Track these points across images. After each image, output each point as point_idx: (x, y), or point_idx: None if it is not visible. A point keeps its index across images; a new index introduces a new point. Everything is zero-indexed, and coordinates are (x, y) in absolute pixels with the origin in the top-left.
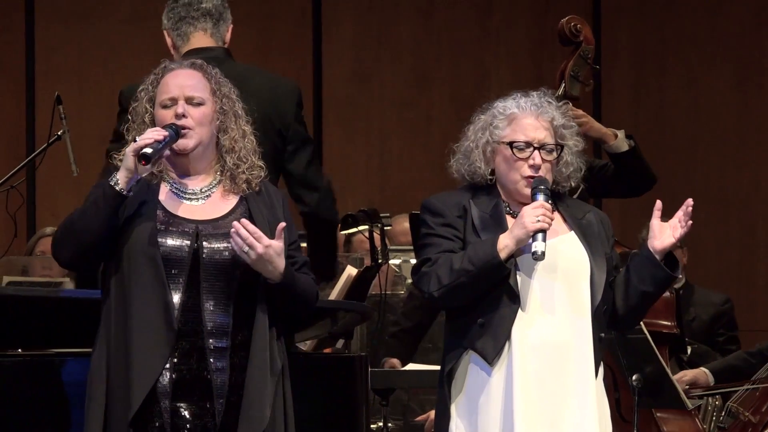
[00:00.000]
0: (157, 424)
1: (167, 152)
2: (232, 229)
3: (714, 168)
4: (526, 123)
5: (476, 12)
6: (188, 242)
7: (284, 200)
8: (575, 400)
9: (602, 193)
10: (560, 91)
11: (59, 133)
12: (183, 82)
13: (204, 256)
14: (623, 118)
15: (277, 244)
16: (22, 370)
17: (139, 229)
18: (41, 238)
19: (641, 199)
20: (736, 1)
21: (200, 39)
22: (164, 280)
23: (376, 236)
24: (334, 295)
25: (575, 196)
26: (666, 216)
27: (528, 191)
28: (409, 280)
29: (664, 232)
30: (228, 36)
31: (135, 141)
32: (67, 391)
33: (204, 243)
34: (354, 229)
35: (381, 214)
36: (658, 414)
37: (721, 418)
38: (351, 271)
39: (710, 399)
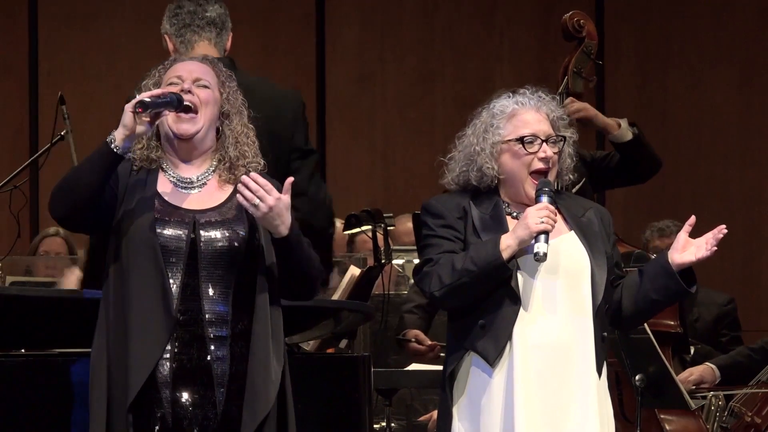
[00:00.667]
0: (158, 414)
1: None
2: (239, 185)
3: (718, 168)
4: (529, 117)
5: (480, 12)
6: (186, 231)
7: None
8: (577, 401)
9: (606, 185)
10: (563, 87)
11: (62, 133)
12: (192, 68)
13: (202, 245)
14: (627, 118)
15: (286, 198)
16: (25, 370)
17: (138, 219)
18: (44, 238)
19: (643, 198)
20: (740, 1)
21: (204, 48)
22: (162, 268)
23: (380, 236)
24: (337, 295)
25: (576, 189)
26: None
27: (532, 191)
28: (413, 281)
29: (688, 248)
30: (228, 44)
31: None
32: (71, 392)
33: (201, 232)
34: (357, 229)
35: (384, 214)
36: (661, 414)
37: (724, 418)
38: (354, 271)
39: (713, 399)
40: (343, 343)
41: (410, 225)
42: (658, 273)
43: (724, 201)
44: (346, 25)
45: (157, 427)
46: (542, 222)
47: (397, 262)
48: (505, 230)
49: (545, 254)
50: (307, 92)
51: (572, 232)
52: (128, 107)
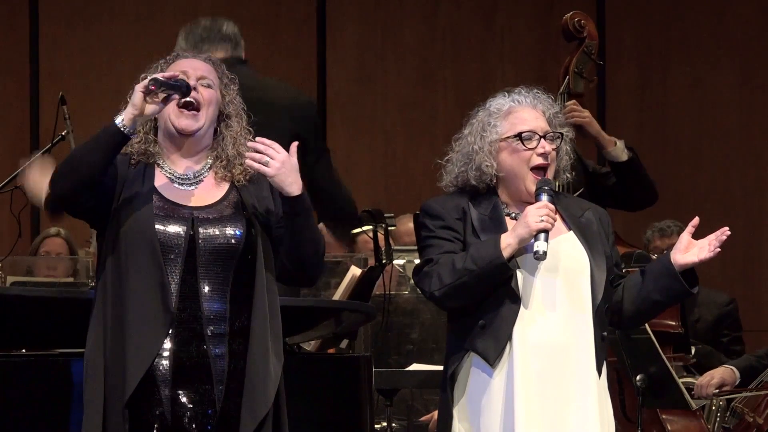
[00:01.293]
0: (157, 412)
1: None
2: (247, 152)
3: (718, 168)
4: (526, 114)
5: (480, 12)
6: (184, 228)
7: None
8: (577, 400)
9: (599, 201)
10: (564, 87)
11: (63, 133)
12: (197, 65)
13: (200, 242)
14: (628, 118)
15: (294, 159)
16: (26, 370)
17: (136, 213)
18: (45, 239)
19: None
20: (741, 1)
21: (221, 55)
22: (161, 264)
23: (381, 236)
24: (338, 295)
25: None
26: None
27: (533, 187)
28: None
29: (690, 249)
30: (243, 56)
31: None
32: (71, 392)
33: (200, 229)
34: (358, 230)
35: (385, 215)
36: (663, 414)
37: (726, 418)
38: (355, 271)
39: (714, 399)
40: (344, 344)
41: (411, 225)
42: (661, 273)
43: (725, 201)
44: (347, 25)
45: (156, 425)
46: (542, 220)
47: (398, 262)
48: (504, 231)
49: (545, 252)
50: (308, 92)
51: (571, 232)
52: (139, 87)
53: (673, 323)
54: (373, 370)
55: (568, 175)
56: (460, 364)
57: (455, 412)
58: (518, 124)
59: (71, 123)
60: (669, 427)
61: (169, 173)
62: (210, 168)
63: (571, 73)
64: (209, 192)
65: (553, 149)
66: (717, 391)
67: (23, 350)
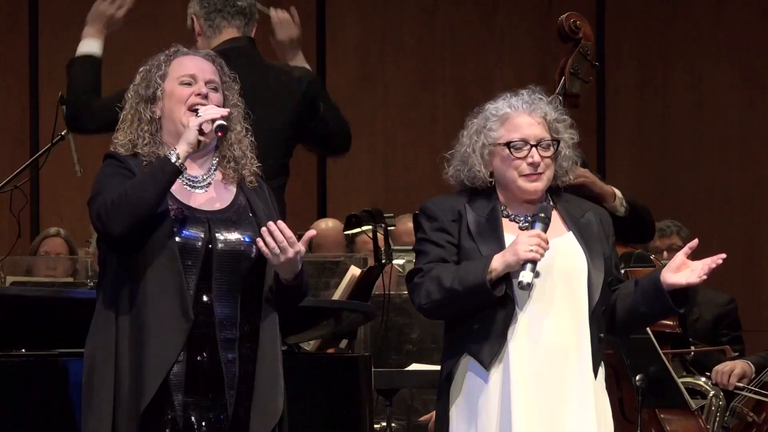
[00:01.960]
0: (168, 417)
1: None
2: (263, 229)
3: (718, 168)
4: (520, 121)
5: (480, 12)
6: (202, 234)
7: (273, 198)
8: (574, 402)
9: None
10: (560, 88)
11: (63, 132)
12: (201, 65)
13: (217, 247)
14: (628, 118)
15: (303, 249)
16: (25, 370)
17: (153, 218)
18: (45, 239)
19: (644, 198)
20: (741, 2)
21: (230, 35)
22: (181, 270)
23: (380, 236)
24: (337, 295)
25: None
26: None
27: (527, 186)
28: None
29: (682, 269)
30: (253, 33)
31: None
32: (71, 392)
33: (216, 234)
34: (358, 230)
35: (385, 215)
36: (661, 414)
37: (726, 418)
38: (354, 271)
39: (714, 399)
40: (344, 344)
41: (411, 225)
42: (650, 288)
43: (724, 200)
44: (346, 25)
45: (167, 430)
46: (531, 251)
47: (397, 262)
48: (500, 235)
49: (529, 284)
50: None
51: (570, 232)
52: (193, 124)
53: (671, 323)
54: (373, 370)
55: (570, 177)
56: (456, 365)
57: (452, 414)
58: (511, 131)
59: None
60: (667, 427)
61: (182, 176)
62: (216, 169)
63: (567, 74)
64: (219, 195)
65: (548, 156)
66: (740, 384)
67: (23, 350)
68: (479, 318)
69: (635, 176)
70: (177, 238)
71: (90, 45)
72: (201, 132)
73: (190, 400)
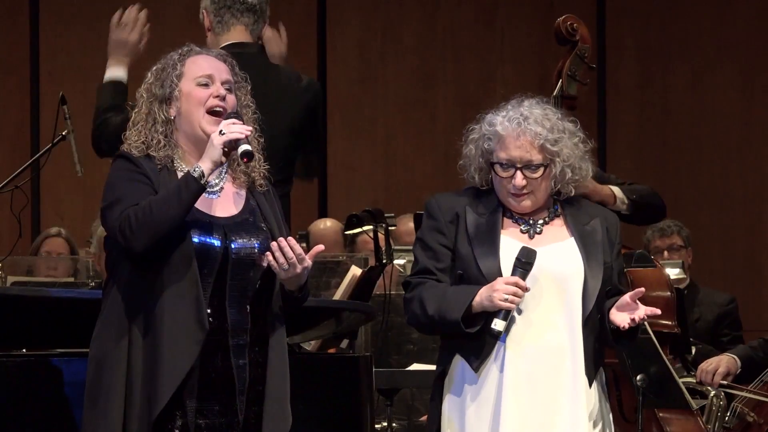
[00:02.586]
0: (180, 423)
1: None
2: (273, 244)
3: (719, 168)
4: (508, 143)
5: (481, 12)
6: (219, 241)
7: (279, 201)
8: (567, 406)
9: None
10: (557, 90)
11: (63, 133)
12: (217, 65)
13: (233, 254)
14: (628, 118)
15: (310, 263)
16: (26, 370)
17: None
18: (46, 239)
19: None
20: (741, 1)
21: (239, 33)
22: (197, 279)
23: (381, 236)
24: (338, 295)
25: None
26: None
27: (515, 204)
28: None
29: (626, 310)
30: (263, 31)
31: (220, 132)
32: (72, 391)
33: (232, 242)
34: (358, 230)
35: (386, 214)
36: (661, 414)
37: (726, 418)
38: (355, 271)
39: (714, 399)
40: (345, 343)
41: (412, 225)
42: (604, 316)
43: (725, 200)
44: (347, 25)
45: None
46: (506, 300)
47: (398, 262)
48: (497, 240)
49: (500, 332)
50: None
51: (572, 238)
52: (218, 142)
53: (670, 323)
54: (374, 369)
55: (572, 188)
56: (449, 365)
57: (444, 412)
58: (499, 150)
59: (71, 123)
60: (668, 428)
61: None
62: (226, 173)
63: (564, 77)
64: (233, 200)
65: (535, 178)
66: (725, 382)
67: (23, 350)
68: (475, 319)
69: (635, 176)
70: (194, 245)
71: (114, 71)
72: (225, 152)
73: (202, 406)
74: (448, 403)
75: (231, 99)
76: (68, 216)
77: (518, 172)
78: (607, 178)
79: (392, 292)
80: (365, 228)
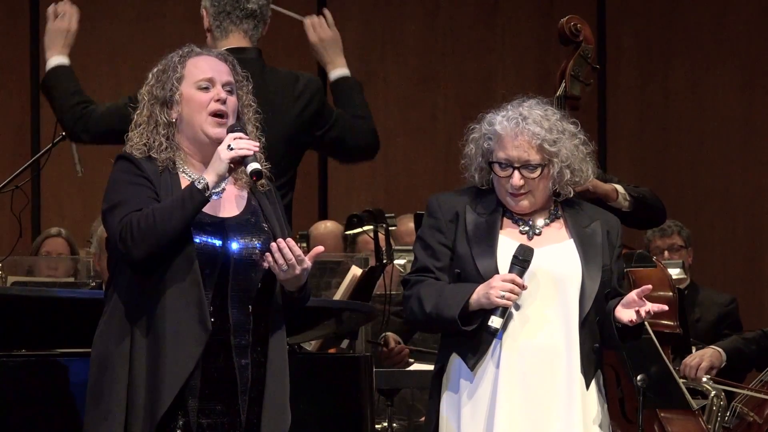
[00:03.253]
0: (181, 423)
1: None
2: (273, 245)
3: (719, 168)
4: (506, 143)
5: (481, 12)
6: (219, 241)
7: (280, 201)
8: (561, 407)
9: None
10: (561, 91)
11: (63, 133)
12: (217, 66)
13: (234, 255)
14: (628, 119)
15: (310, 265)
16: (27, 370)
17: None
18: (46, 239)
19: None
20: (741, 2)
21: (238, 39)
22: (199, 280)
23: (381, 236)
24: (339, 295)
25: None
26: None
27: (513, 204)
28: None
29: (632, 307)
30: (262, 33)
31: (228, 147)
32: (72, 392)
33: (233, 242)
34: (359, 230)
35: (386, 215)
36: (662, 414)
37: (726, 418)
38: (356, 271)
39: (715, 399)
40: (345, 343)
41: (412, 225)
42: (608, 315)
43: (725, 201)
44: (347, 25)
45: None
46: (502, 297)
47: (398, 262)
48: (495, 241)
49: (497, 330)
50: None
51: (571, 240)
52: (225, 158)
53: (671, 323)
54: (374, 370)
55: (571, 189)
56: (446, 363)
57: (441, 410)
58: (498, 150)
59: None
60: (669, 427)
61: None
62: (229, 174)
63: (568, 77)
64: (234, 201)
65: (533, 177)
66: (708, 377)
67: (23, 350)
68: (472, 318)
69: (636, 177)
70: (196, 246)
71: (58, 59)
72: (230, 168)
73: (204, 406)
74: (446, 401)
75: (232, 102)
76: (68, 216)
77: (516, 172)
78: (609, 179)
79: (393, 293)
80: (365, 228)
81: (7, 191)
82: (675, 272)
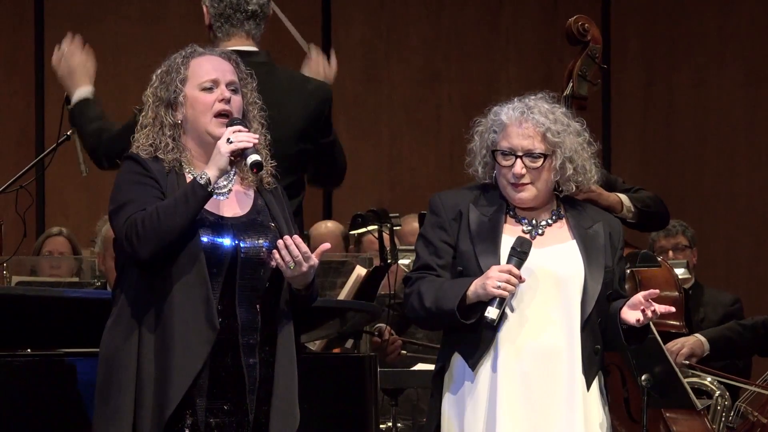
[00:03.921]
0: (190, 422)
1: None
2: (279, 242)
3: (723, 168)
4: (511, 131)
5: (485, 12)
6: (228, 241)
7: (287, 199)
8: (562, 407)
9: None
10: (568, 90)
11: (68, 132)
12: (221, 66)
13: (242, 254)
14: (633, 119)
15: (317, 262)
16: (31, 370)
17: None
18: (48, 238)
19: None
20: (746, 2)
21: (239, 40)
22: (207, 279)
23: (386, 236)
24: (343, 295)
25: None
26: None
27: (514, 195)
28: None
29: (638, 308)
30: (264, 27)
31: (228, 141)
32: (77, 391)
33: (241, 242)
34: (363, 229)
35: (390, 214)
36: (667, 414)
37: (730, 418)
38: (360, 271)
39: (719, 399)
40: (349, 343)
41: (416, 225)
42: (614, 316)
43: (730, 200)
44: (351, 25)
45: None
46: (499, 287)
47: (403, 261)
48: (498, 238)
49: (493, 320)
50: None
51: (573, 241)
52: (224, 151)
53: (678, 324)
54: (378, 369)
55: (573, 186)
56: (447, 362)
57: (443, 409)
58: (502, 139)
59: None
60: (673, 427)
61: None
62: (235, 174)
63: (575, 77)
64: (241, 200)
65: (536, 168)
66: (687, 362)
67: (28, 350)
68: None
69: (641, 177)
70: (203, 246)
71: (80, 93)
72: (231, 161)
73: (212, 405)
74: (447, 401)
75: (236, 101)
76: (73, 216)
77: (518, 161)
78: (614, 180)
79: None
80: (370, 228)
81: (11, 191)
82: (679, 272)
